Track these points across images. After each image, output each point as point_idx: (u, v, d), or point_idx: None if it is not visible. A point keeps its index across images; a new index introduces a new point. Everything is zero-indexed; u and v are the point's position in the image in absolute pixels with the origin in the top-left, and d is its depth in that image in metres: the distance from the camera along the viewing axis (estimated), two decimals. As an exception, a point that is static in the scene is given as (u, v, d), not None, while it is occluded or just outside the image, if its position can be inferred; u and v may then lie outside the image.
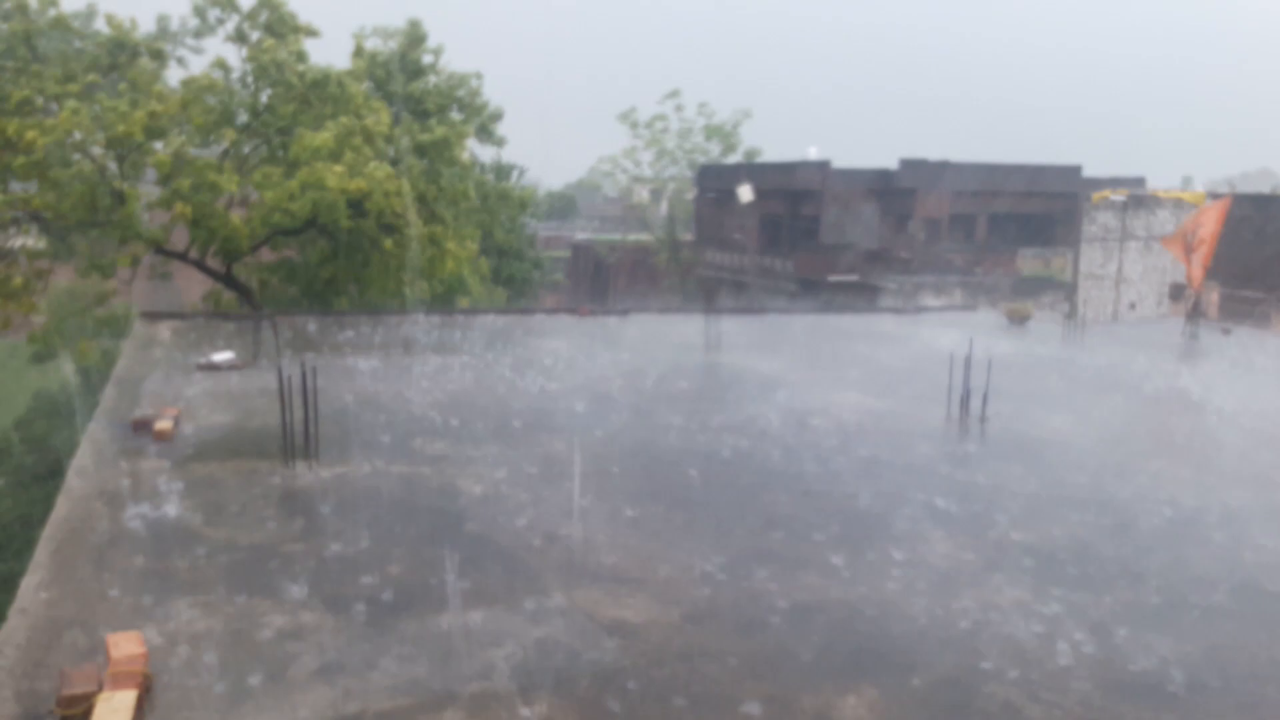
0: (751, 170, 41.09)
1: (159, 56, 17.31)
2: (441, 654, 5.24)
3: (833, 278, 35.56)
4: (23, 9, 16.64)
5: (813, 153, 43.87)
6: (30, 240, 16.07)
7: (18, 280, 15.09)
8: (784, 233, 40.69)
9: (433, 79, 22.30)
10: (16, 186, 16.13)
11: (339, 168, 16.14)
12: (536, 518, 7.46)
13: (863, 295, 32.94)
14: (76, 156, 15.69)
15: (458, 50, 23.46)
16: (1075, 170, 38.80)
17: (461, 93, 21.97)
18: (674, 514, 7.68)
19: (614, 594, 6.07)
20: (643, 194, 44.80)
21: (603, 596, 6.03)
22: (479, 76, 22.51)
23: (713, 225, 44.89)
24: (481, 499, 7.88)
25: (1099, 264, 28.03)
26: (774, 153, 44.62)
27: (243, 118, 18.71)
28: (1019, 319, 19.58)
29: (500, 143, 23.01)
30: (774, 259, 40.26)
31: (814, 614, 5.92)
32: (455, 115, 21.30)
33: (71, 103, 15.33)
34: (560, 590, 6.10)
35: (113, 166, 16.32)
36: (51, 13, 16.75)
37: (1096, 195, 28.95)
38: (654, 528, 7.32)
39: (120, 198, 15.79)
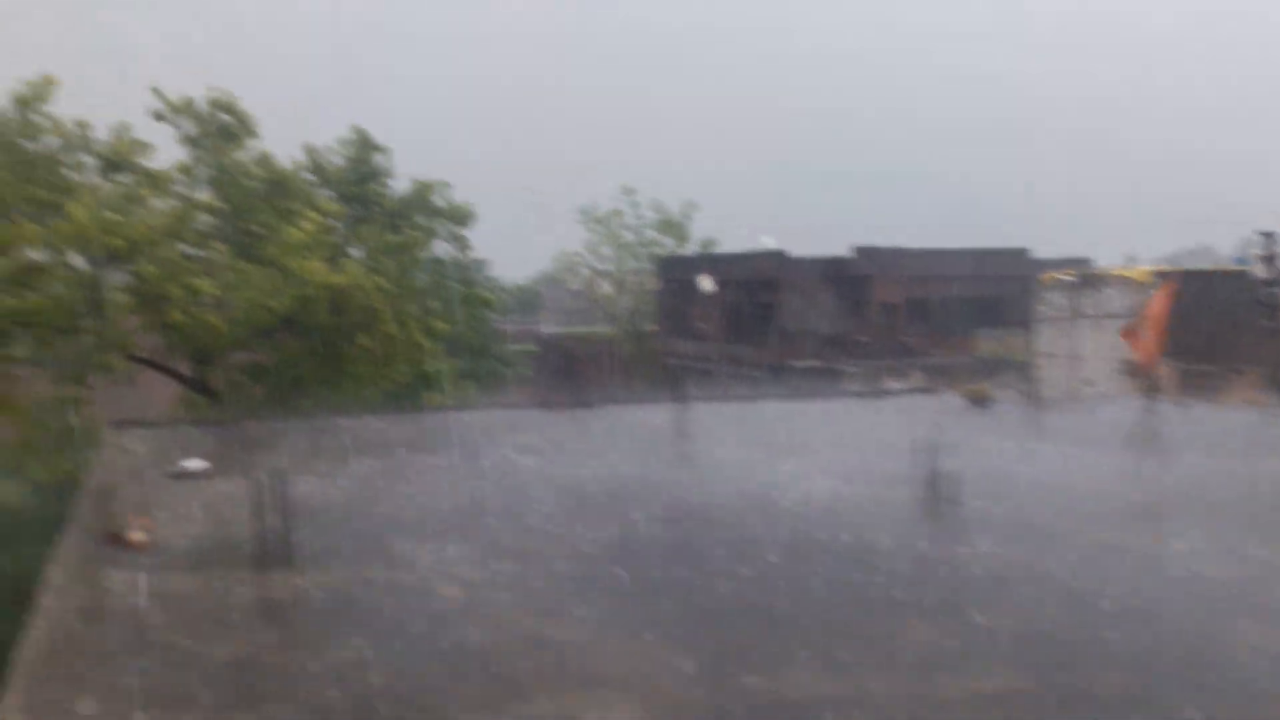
0: (710, 261, 41.97)
1: (144, 170, 17.59)
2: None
3: (795, 363, 36.08)
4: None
5: (767, 241, 44.90)
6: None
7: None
8: (745, 320, 41.35)
9: (391, 184, 22.77)
10: None
11: (318, 263, 16.46)
12: (517, 620, 7.48)
13: (826, 379, 33.40)
14: (63, 264, 15.83)
15: (412, 144, 24.07)
16: (1023, 252, 40.06)
17: (434, 198, 22.43)
18: (655, 615, 7.73)
19: (599, 699, 6.10)
20: (605, 287, 45.51)
21: (589, 701, 6.06)
22: (447, 184, 23.11)
23: (675, 315, 45.52)
24: (461, 603, 7.89)
25: (1053, 342, 28.73)
26: (724, 235, 45.88)
27: (205, 218, 18.99)
28: (979, 400, 19.97)
29: (466, 246, 23.45)
30: (737, 346, 40.82)
31: (802, 713, 5.98)
32: (421, 220, 21.71)
33: (76, 210, 15.51)
34: (544, 695, 6.12)
35: (85, 269, 16.44)
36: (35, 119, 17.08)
37: (1046, 275, 29.81)
38: (634, 629, 7.37)
39: (101, 306, 15.92)
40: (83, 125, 17.86)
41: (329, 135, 22.78)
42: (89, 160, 17.83)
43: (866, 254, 39.63)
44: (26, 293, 15.95)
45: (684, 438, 15.37)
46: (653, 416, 17.99)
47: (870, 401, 21.06)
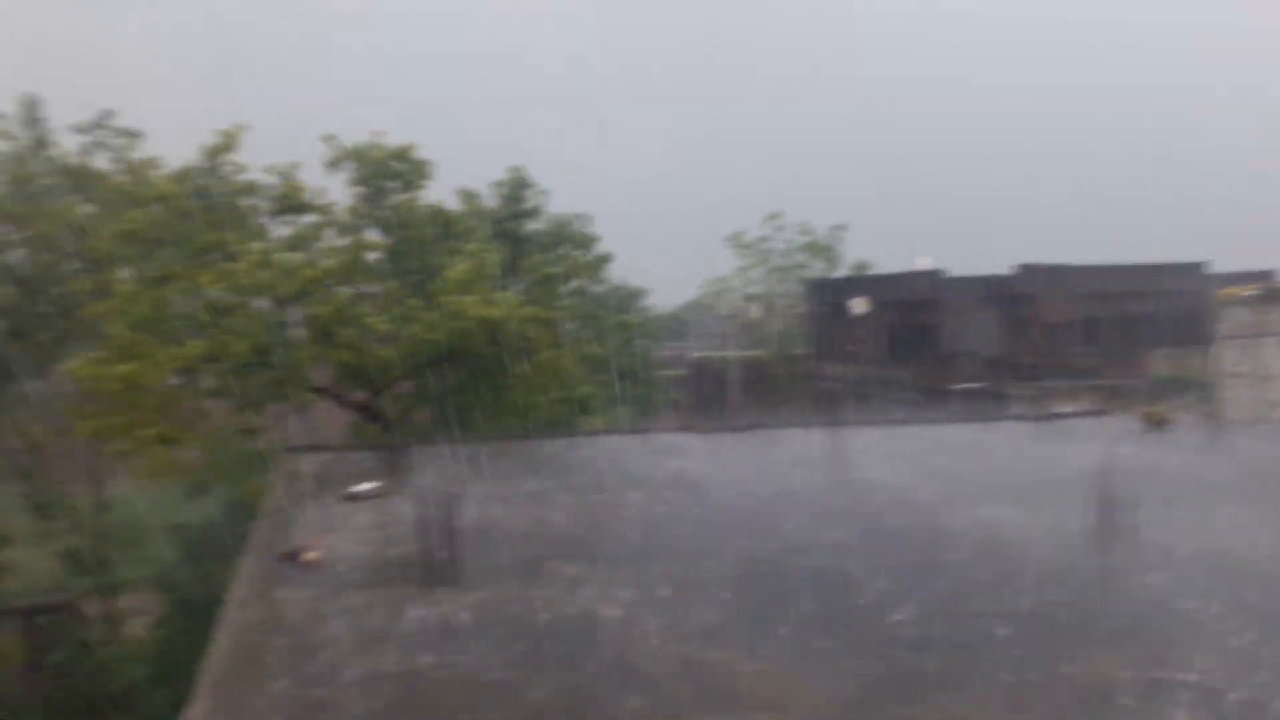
0: (863, 283, 41.27)
1: (324, 212, 18.59)
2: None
3: (955, 386, 34.97)
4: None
5: (924, 262, 43.84)
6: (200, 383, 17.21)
7: (185, 423, 16.17)
8: (901, 342, 40.41)
9: (537, 221, 23.39)
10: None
11: (473, 299, 17.07)
12: (672, 641, 7.45)
13: (988, 403, 32.23)
14: (245, 305, 16.91)
15: (563, 182, 24.72)
16: (1198, 266, 37.70)
17: (573, 230, 22.96)
18: (810, 640, 7.56)
19: (758, 720, 6.00)
20: (755, 311, 45.35)
21: (747, 723, 5.97)
22: (587, 216, 23.77)
23: (827, 338, 44.93)
24: (617, 623, 7.92)
25: (1235, 361, 26.92)
26: (874, 256, 44.88)
27: (375, 255, 19.90)
28: (1157, 423, 18.85)
29: (605, 282, 24.04)
30: (892, 369, 39.92)
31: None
32: (567, 250, 22.25)
33: (255, 249, 16.57)
34: (702, 717, 6.06)
35: (271, 310, 17.49)
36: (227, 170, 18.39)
37: (1224, 291, 27.98)
38: (792, 654, 7.22)
39: (287, 345, 16.94)
40: (272, 171, 19.02)
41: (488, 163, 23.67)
42: (264, 204, 18.97)
43: (1029, 271, 38.14)
44: (214, 332, 17.11)
45: (839, 462, 15.05)
46: (806, 440, 17.73)
47: (1039, 425, 20.16)
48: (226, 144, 18.48)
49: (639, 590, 8.74)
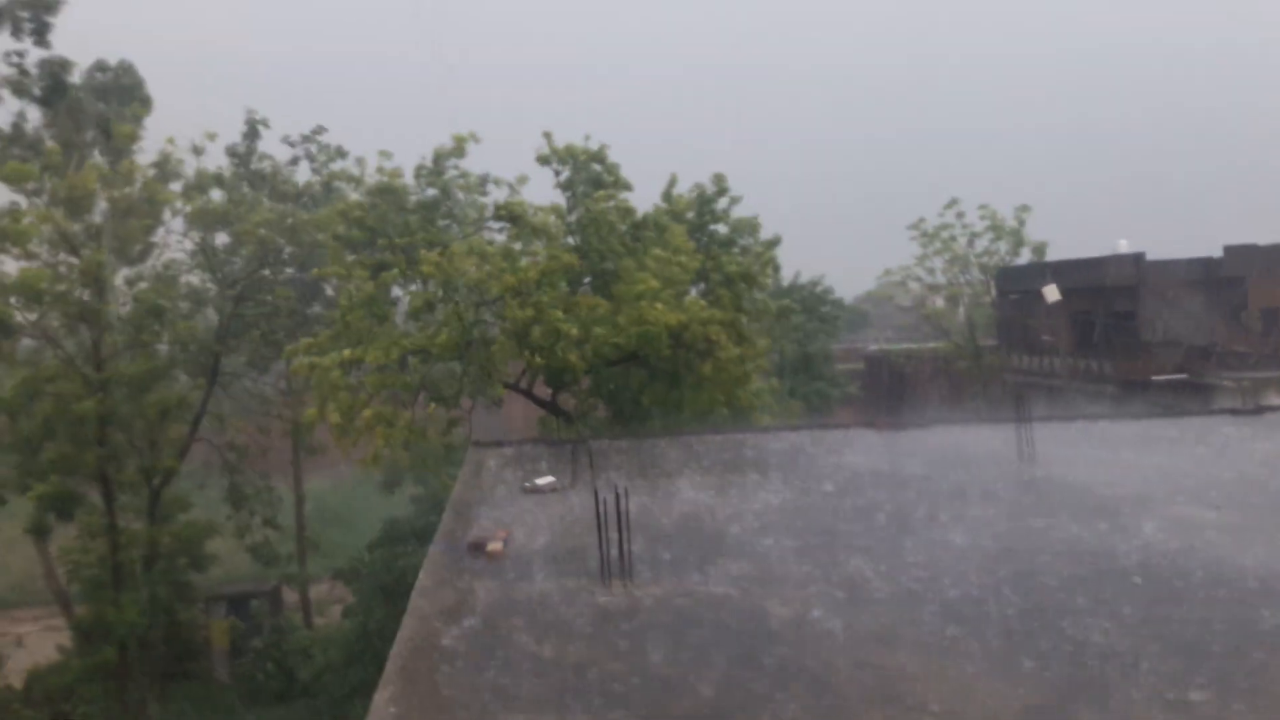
0: (1055, 268, 39.24)
1: (537, 227, 19.35)
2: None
3: (1157, 378, 32.85)
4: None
5: (1123, 245, 41.34)
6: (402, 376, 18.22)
7: (389, 413, 17.17)
8: (1097, 332, 38.24)
9: (724, 224, 23.74)
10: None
11: (660, 305, 17.49)
12: (845, 643, 7.37)
13: (1193, 396, 30.14)
14: (453, 302, 17.84)
15: (736, 179, 24.90)
16: None
17: (748, 236, 23.21)
18: (990, 644, 7.31)
19: (932, 726, 5.86)
20: (937, 302, 43.84)
21: (920, 728, 5.84)
22: (757, 217, 24.05)
23: (1016, 329, 43.03)
24: (790, 622, 7.89)
25: None
26: (1061, 247, 42.50)
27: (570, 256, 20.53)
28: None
29: (777, 269, 24.26)
30: (1088, 360, 37.87)
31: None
32: (749, 246, 22.32)
33: (465, 261, 17.49)
34: None
35: (469, 308, 18.34)
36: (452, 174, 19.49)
37: None
38: (969, 658, 7.00)
39: (486, 343, 17.80)
40: (493, 181, 20.02)
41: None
42: (475, 211, 19.99)
43: (1239, 254, 35.34)
44: (421, 326, 18.15)
45: (1030, 460, 14.40)
46: (992, 436, 17.05)
47: (1250, 419, 18.71)
48: (455, 150, 19.52)
49: (812, 589, 8.68)
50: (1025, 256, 42.21)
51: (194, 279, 25.07)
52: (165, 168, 23.48)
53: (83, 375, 20.58)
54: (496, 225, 20.09)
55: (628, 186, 21.17)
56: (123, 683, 21.59)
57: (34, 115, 25.42)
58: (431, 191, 19.76)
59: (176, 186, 23.70)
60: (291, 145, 26.91)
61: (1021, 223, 40.99)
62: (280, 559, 26.78)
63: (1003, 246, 41.78)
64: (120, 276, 23.41)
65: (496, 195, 20.34)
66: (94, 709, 21.57)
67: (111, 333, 21.72)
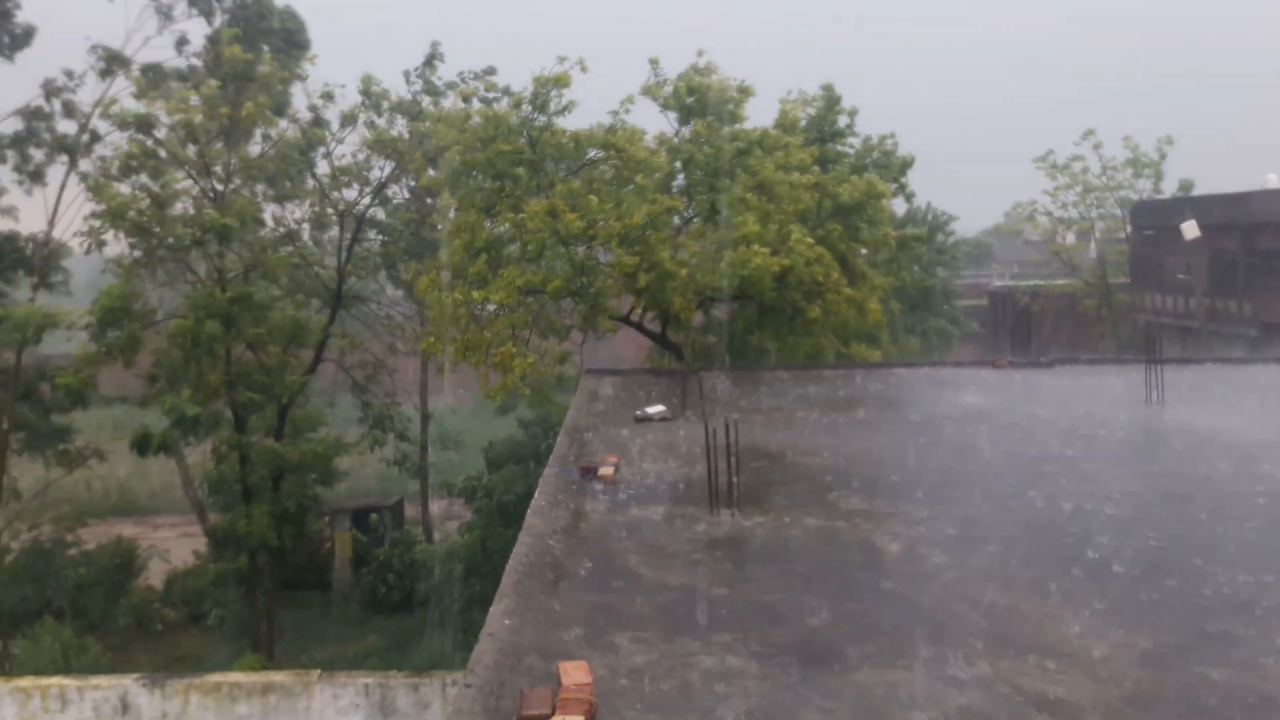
0: (1195, 204, 37.13)
1: (647, 163, 19.07)
2: (863, 710, 5.31)
3: (1303, 322, 31.08)
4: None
5: (1272, 180, 38.86)
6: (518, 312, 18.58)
7: (518, 350, 17.54)
8: (1239, 272, 36.23)
9: (851, 142, 23.11)
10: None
11: (763, 249, 17.21)
12: (956, 581, 7.30)
13: (1343, 341, 28.41)
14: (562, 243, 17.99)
15: (868, 105, 24.08)
16: None
17: (876, 155, 22.53)
18: (1108, 589, 7.14)
19: (1041, 668, 5.78)
20: (1068, 237, 41.98)
21: (1030, 669, 5.77)
22: (893, 137, 23.52)
23: (1151, 267, 41.11)
24: (899, 558, 7.85)
25: None
26: (1205, 182, 39.97)
27: (679, 184, 20.23)
28: None
29: (910, 195, 23.61)
30: (1227, 301, 35.98)
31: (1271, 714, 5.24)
32: (873, 174, 21.64)
33: (567, 211, 17.57)
34: (983, 658, 5.93)
35: (581, 249, 18.46)
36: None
37: None
38: (1085, 602, 6.85)
39: (593, 279, 17.97)
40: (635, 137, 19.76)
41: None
42: (585, 135, 19.72)
43: (1407, 190, 32.89)
44: (535, 267, 18.32)
45: (1154, 404, 13.85)
46: (1119, 378, 16.45)
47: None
48: (561, 78, 19.18)
49: (923, 527, 8.60)
50: (1167, 192, 39.94)
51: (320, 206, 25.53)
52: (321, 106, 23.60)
53: (209, 295, 21.37)
54: (600, 156, 19.78)
55: (750, 92, 20.35)
56: (252, 588, 22.88)
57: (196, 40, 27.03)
58: (540, 118, 19.32)
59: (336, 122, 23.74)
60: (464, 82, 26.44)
61: (1163, 155, 38.63)
62: (408, 475, 27.85)
63: (1144, 182, 39.54)
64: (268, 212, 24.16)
65: (601, 118, 19.81)
66: (226, 611, 23.03)
67: (241, 254, 22.44)
